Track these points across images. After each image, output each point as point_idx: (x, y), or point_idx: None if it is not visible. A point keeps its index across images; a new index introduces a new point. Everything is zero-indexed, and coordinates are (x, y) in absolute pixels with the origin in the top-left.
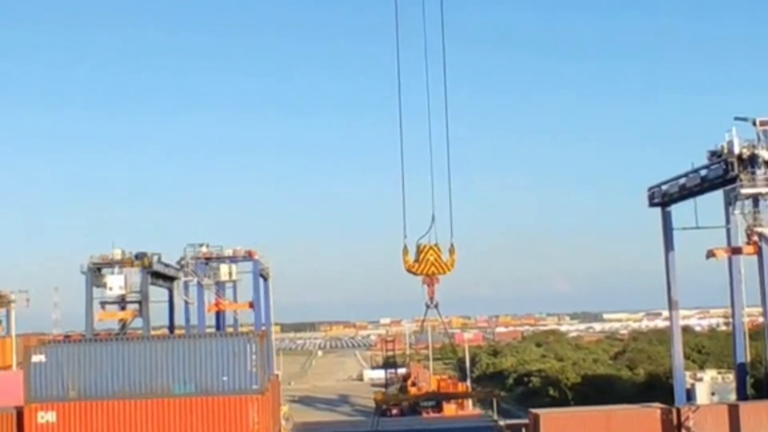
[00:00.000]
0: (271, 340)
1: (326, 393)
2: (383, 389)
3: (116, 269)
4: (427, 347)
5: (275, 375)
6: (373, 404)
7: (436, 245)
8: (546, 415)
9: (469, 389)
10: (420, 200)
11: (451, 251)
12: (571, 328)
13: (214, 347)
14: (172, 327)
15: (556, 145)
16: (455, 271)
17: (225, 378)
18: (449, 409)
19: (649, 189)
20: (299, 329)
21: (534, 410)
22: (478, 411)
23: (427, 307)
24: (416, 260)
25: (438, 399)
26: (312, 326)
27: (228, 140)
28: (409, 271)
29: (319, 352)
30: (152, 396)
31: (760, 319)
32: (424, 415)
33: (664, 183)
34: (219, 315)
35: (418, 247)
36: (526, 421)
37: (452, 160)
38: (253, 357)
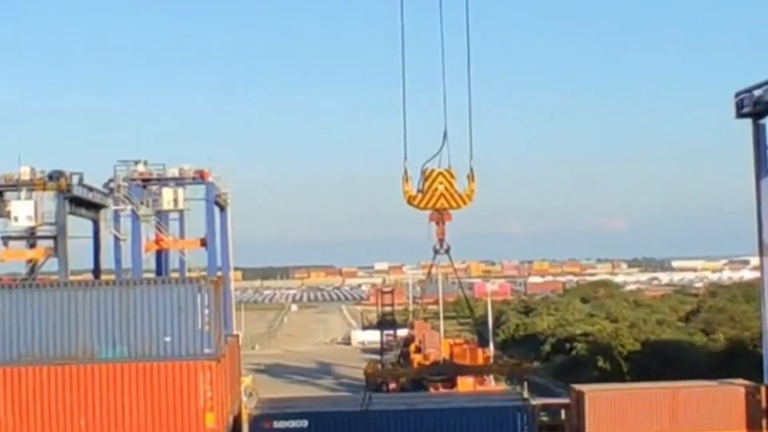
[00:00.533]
0: (230, 289)
1: (302, 361)
2: (377, 358)
3: (23, 193)
4: (436, 302)
5: (235, 336)
6: (363, 377)
7: (448, 170)
8: (593, 392)
9: (491, 359)
10: (427, 110)
11: (470, 178)
12: (629, 278)
13: (153, 298)
14: (97, 271)
15: (605, 45)
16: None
17: (167, 339)
18: (465, 383)
19: (737, 95)
20: (267, 276)
21: (577, 386)
22: (502, 386)
23: (436, 252)
24: (421, 190)
25: (450, 373)
26: (284, 272)
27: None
28: (411, 204)
29: (294, 307)
30: (70, 361)
31: None
32: (432, 390)
33: (758, 87)
34: (160, 255)
35: (423, 172)
36: (566, 400)
37: (474, 51)
38: (206, 311)
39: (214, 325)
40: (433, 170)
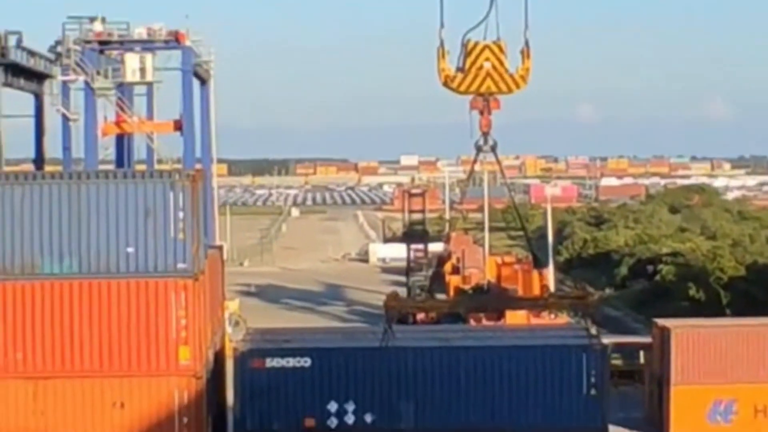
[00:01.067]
0: (212, 186)
1: (304, 282)
2: (402, 280)
3: None
4: (480, 208)
5: (217, 248)
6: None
7: (496, 43)
8: (682, 329)
9: (549, 287)
10: None
11: (524, 54)
12: (733, 183)
13: (111, 197)
14: (40, 160)
15: None
16: (530, 86)
17: (130, 250)
18: (515, 314)
19: None
20: (260, 171)
21: (662, 321)
22: (563, 319)
23: (479, 149)
24: (461, 69)
25: (492, 307)
26: (282, 166)
27: None
28: (448, 86)
29: (295, 211)
30: (5, 278)
31: None
32: (472, 322)
33: None
34: (121, 141)
35: (465, 45)
36: (646, 339)
37: None
38: (180, 215)
39: (190, 234)
40: (477, 43)
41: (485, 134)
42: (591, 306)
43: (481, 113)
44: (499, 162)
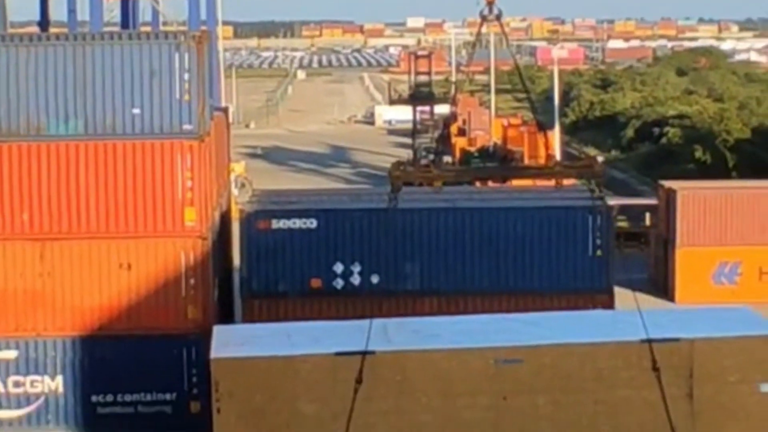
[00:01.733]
0: (218, 48)
1: (310, 144)
2: (408, 142)
3: None
4: (487, 70)
5: (223, 110)
6: (388, 168)
7: None
8: (688, 190)
9: (556, 155)
10: None
11: None
12: (740, 45)
13: (117, 58)
14: (45, 23)
15: None
16: None
17: (136, 111)
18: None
19: None
20: (266, 33)
21: (668, 183)
22: (569, 180)
23: (483, 19)
24: None
25: (498, 175)
26: (288, 29)
27: None
28: None
29: (301, 74)
30: (9, 139)
31: None
32: (478, 183)
33: None
34: (126, 3)
35: None
36: (652, 200)
37: None
38: (185, 76)
39: (196, 95)
40: None
41: (490, 4)
42: (598, 174)
43: None
44: (504, 32)
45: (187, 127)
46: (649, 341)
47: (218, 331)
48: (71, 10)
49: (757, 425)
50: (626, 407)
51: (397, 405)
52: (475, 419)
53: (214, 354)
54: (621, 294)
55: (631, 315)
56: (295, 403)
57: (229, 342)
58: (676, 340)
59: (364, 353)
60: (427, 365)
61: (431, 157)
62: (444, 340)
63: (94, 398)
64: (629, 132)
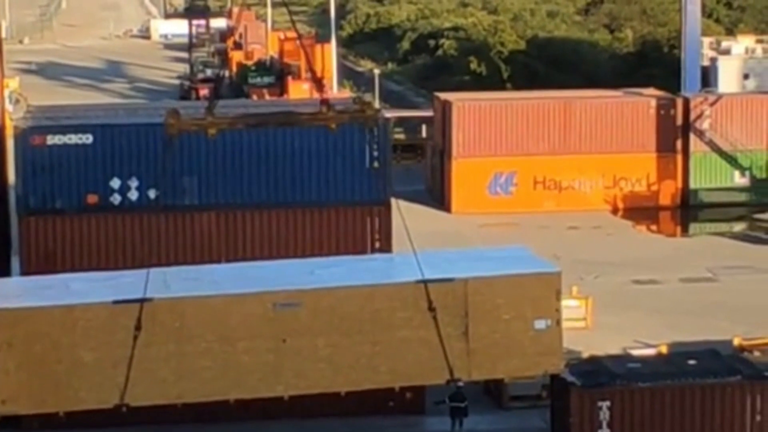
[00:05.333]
0: None
1: (85, 59)
2: (186, 57)
3: None
4: None
5: None
6: (170, 81)
7: None
8: (463, 102)
9: (330, 101)
10: None
11: None
12: None
13: None
14: None
15: None
16: None
17: None
18: (298, 87)
19: None
20: None
21: (443, 95)
22: (346, 92)
23: None
24: None
25: (275, 122)
26: None
27: None
28: None
29: None
30: None
31: None
32: (255, 97)
33: None
34: None
35: None
36: (428, 113)
37: None
38: None
39: None
40: None
41: None
42: (370, 119)
43: None
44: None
45: None
46: (425, 282)
47: None
48: None
49: (531, 361)
50: (404, 347)
51: (176, 350)
52: (255, 362)
53: None
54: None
55: (407, 257)
56: (74, 351)
57: (8, 293)
58: (451, 280)
59: (142, 301)
60: (204, 311)
61: (208, 72)
62: (223, 286)
63: None
64: (405, 44)
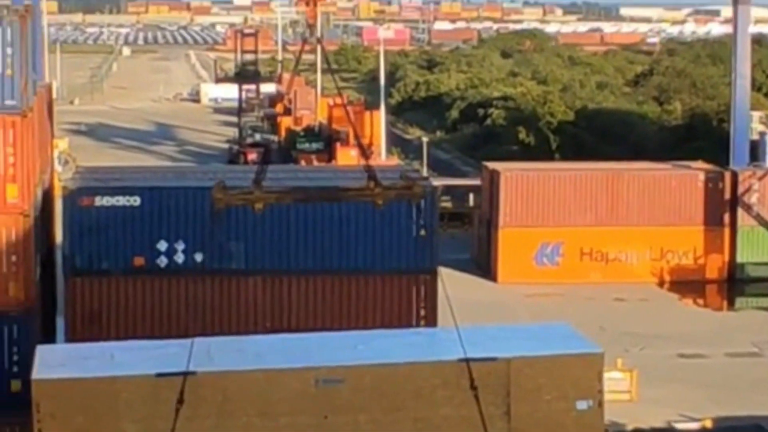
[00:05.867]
0: (42, 24)
1: (135, 121)
2: (235, 121)
3: None
4: (314, 50)
5: (47, 86)
6: (219, 144)
7: None
8: (511, 171)
9: (377, 177)
10: None
11: None
12: (565, 29)
13: None
14: None
15: None
16: None
17: None
18: (346, 154)
19: None
20: (91, 8)
21: (491, 164)
22: (394, 160)
23: (305, 41)
24: None
25: (321, 197)
26: (114, 4)
27: None
28: None
29: (126, 50)
30: None
31: None
32: (303, 163)
33: None
34: None
35: None
36: (476, 181)
37: None
38: (8, 51)
39: (18, 70)
40: None
41: (311, 26)
42: (417, 195)
43: (307, 4)
44: (323, 49)
45: (9, 102)
46: (467, 360)
47: (41, 350)
48: None
49: None
50: (446, 425)
51: (218, 425)
52: None
53: (35, 375)
54: (445, 273)
55: (450, 333)
56: (117, 424)
57: (51, 362)
58: (493, 359)
59: (185, 374)
60: (247, 385)
61: (257, 137)
62: (266, 359)
63: None
64: (454, 113)
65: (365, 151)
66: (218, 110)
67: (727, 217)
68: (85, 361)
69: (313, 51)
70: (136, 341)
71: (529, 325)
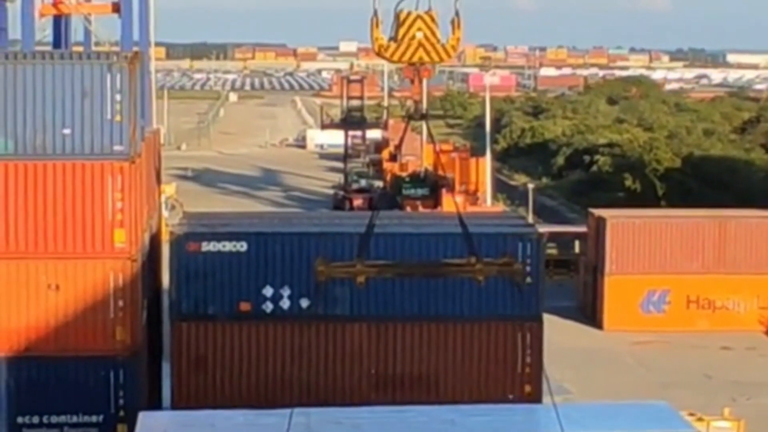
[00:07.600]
0: (150, 69)
1: (241, 167)
2: (341, 167)
3: None
4: (420, 96)
5: (155, 131)
6: (324, 190)
7: (428, 13)
8: (617, 219)
9: (479, 253)
10: None
11: (454, 24)
12: (671, 75)
13: (48, 78)
14: None
15: None
16: None
17: (66, 131)
18: (451, 201)
19: None
20: (199, 55)
21: (597, 211)
22: (500, 207)
23: (410, 118)
24: (394, 38)
25: (421, 273)
26: (221, 51)
27: None
28: (381, 55)
29: (233, 96)
30: None
31: None
32: (409, 209)
33: None
34: (59, 23)
35: (397, 16)
36: (582, 228)
37: None
38: (117, 97)
39: (127, 116)
40: (409, 13)
41: (416, 103)
42: (517, 273)
43: (412, 82)
44: (429, 129)
45: (118, 148)
46: None
47: (143, 417)
48: (2, 29)
49: None
50: None
51: None
52: None
53: None
54: (550, 321)
55: (548, 411)
56: None
57: (153, 429)
58: None
59: None
60: None
61: (362, 182)
62: None
63: (20, 419)
64: (560, 159)
65: (466, 227)
66: (324, 156)
67: None
68: (185, 428)
69: (420, 97)
70: (238, 411)
71: (627, 403)
